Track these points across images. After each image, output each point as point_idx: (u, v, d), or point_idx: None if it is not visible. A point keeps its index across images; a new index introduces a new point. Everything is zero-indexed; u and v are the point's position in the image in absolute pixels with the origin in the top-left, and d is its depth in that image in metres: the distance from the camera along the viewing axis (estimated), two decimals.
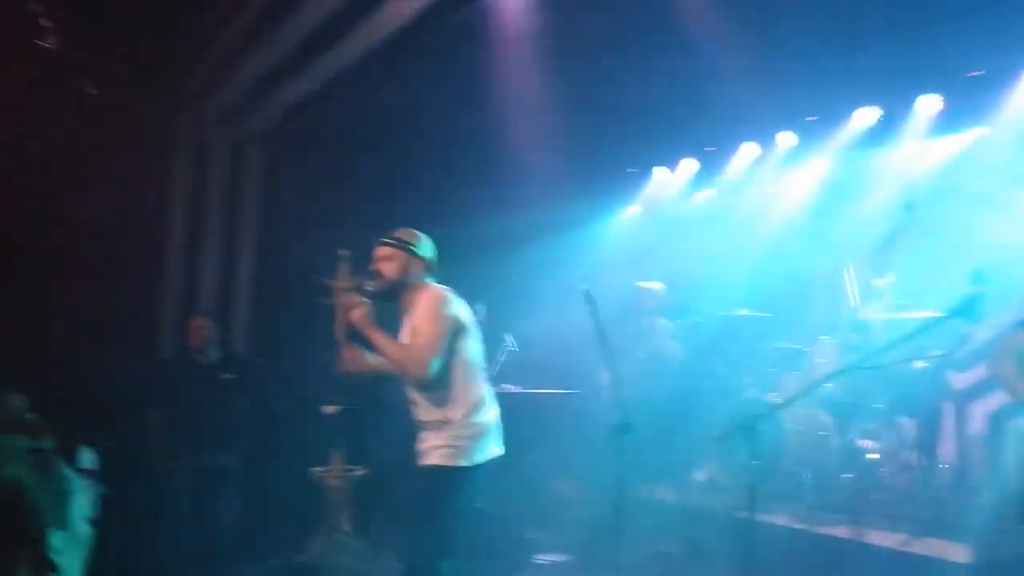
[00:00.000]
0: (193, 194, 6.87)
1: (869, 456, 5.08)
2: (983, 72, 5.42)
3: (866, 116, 6.14)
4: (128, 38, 5.79)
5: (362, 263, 3.45)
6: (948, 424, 5.01)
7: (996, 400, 4.97)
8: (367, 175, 7.00)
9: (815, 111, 6.37)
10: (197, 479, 5.26)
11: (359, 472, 5.04)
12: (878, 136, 6.14)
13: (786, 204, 6.85)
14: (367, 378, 3.48)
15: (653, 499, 5.45)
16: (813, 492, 5.01)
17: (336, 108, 6.48)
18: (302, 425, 5.59)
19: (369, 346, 3.33)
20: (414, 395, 3.30)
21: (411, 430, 3.38)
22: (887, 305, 5.27)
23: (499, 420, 3.38)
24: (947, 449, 5.02)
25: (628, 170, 7.68)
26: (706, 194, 7.48)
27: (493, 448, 3.33)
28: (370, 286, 3.30)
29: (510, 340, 5.74)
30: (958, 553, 3.89)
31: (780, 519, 4.76)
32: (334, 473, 4.95)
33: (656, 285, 6.34)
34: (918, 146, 5.99)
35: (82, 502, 1.35)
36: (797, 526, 4.66)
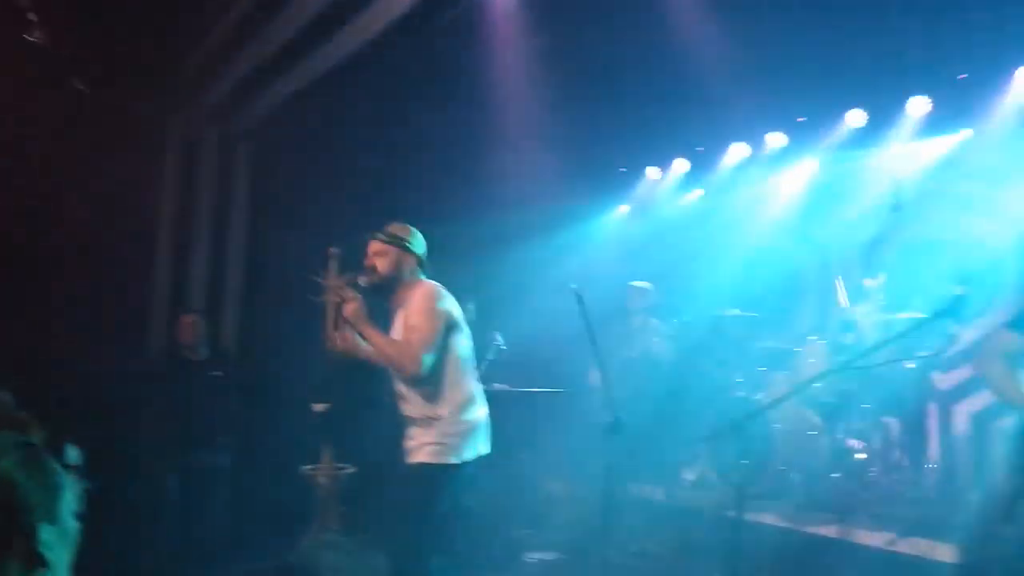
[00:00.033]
0: (183, 191, 6.84)
1: (857, 456, 5.11)
2: (970, 75, 5.46)
3: (855, 118, 6.17)
4: (118, 36, 5.77)
5: (352, 261, 3.45)
6: (933, 424, 5.05)
7: (980, 400, 5.02)
8: (357, 173, 6.99)
9: (805, 112, 6.41)
10: (186, 476, 5.24)
11: (349, 470, 5.03)
12: (867, 137, 6.18)
13: (775, 204, 6.88)
14: (354, 361, 3.46)
15: (642, 498, 5.47)
16: (801, 491, 5.04)
17: (326, 105, 6.46)
18: (292, 423, 5.57)
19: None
20: (404, 390, 3.29)
21: (401, 428, 3.37)
22: (876, 306, 5.29)
23: (488, 418, 3.38)
24: (933, 449, 5.06)
25: (620, 169, 7.69)
26: (696, 194, 7.51)
27: (481, 446, 3.32)
28: (363, 281, 3.30)
29: (499, 339, 5.74)
30: (944, 553, 3.92)
31: (768, 518, 4.78)
32: (324, 471, 4.94)
33: (646, 284, 6.36)
34: (906, 148, 6.03)
35: (71, 497, 1.35)
36: (785, 525, 4.68)
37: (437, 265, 3.50)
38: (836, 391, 5.12)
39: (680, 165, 7.40)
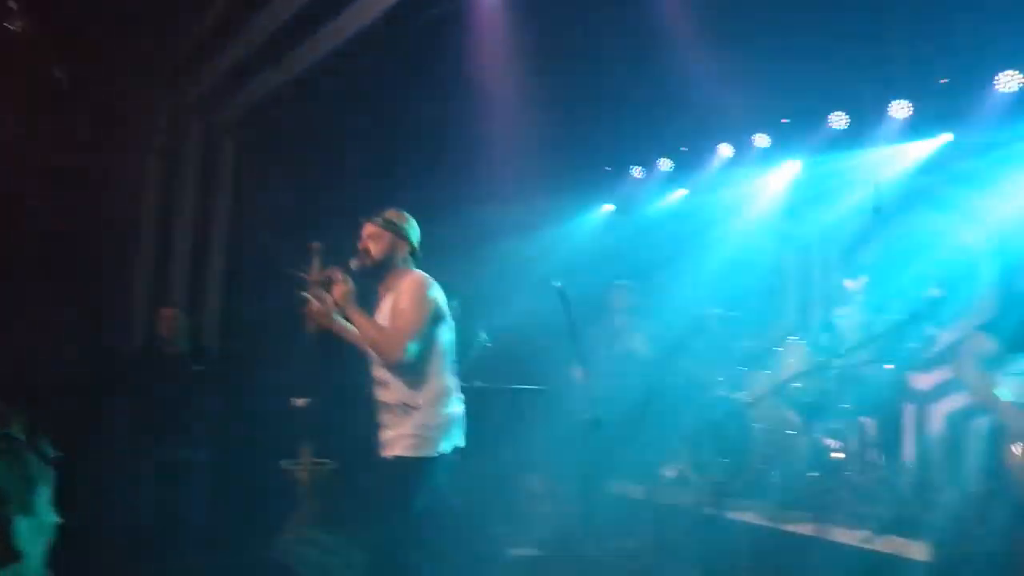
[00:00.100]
0: (165, 184, 6.78)
1: (834, 455, 5.16)
2: (952, 80, 5.53)
3: (838, 120, 6.23)
4: (102, 26, 5.71)
5: (334, 255, 3.44)
6: (910, 424, 5.10)
7: (956, 401, 5.08)
8: (341, 168, 6.97)
9: (788, 114, 6.45)
10: (163, 471, 5.21)
11: (328, 465, 5.02)
12: (850, 140, 6.24)
13: (758, 205, 6.93)
14: (335, 354, 3.46)
15: (622, 495, 5.49)
16: (779, 490, 5.08)
17: (311, 99, 6.44)
18: (272, 418, 5.55)
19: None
20: (385, 376, 3.28)
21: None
22: (856, 307, 5.35)
23: (464, 414, 3.38)
24: (909, 449, 5.12)
25: (604, 168, 7.71)
26: (680, 194, 7.54)
27: (457, 439, 3.32)
28: (354, 264, 3.30)
29: (483, 336, 5.75)
30: (918, 551, 3.97)
31: (747, 516, 4.81)
32: (303, 466, 4.92)
33: (628, 283, 6.39)
34: (888, 150, 6.09)
35: (46, 490, 1.34)
36: (763, 523, 4.72)
37: (420, 261, 3.50)
38: (815, 391, 5.17)
39: (664, 165, 7.43)
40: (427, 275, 3.35)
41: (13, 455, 1.45)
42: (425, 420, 3.23)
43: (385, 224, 3.35)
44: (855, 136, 6.19)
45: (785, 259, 6.76)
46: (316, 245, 3.47)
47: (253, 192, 7.07)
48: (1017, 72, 5.21)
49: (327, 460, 5.05)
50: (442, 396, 3.28)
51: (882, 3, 5.18)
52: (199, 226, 6.93)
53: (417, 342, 3.17)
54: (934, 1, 5.03)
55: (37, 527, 1.43)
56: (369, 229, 3.35)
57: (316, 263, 3.43)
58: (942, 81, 5.54)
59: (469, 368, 5.50)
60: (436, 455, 3.22)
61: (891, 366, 5.04)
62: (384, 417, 3.30)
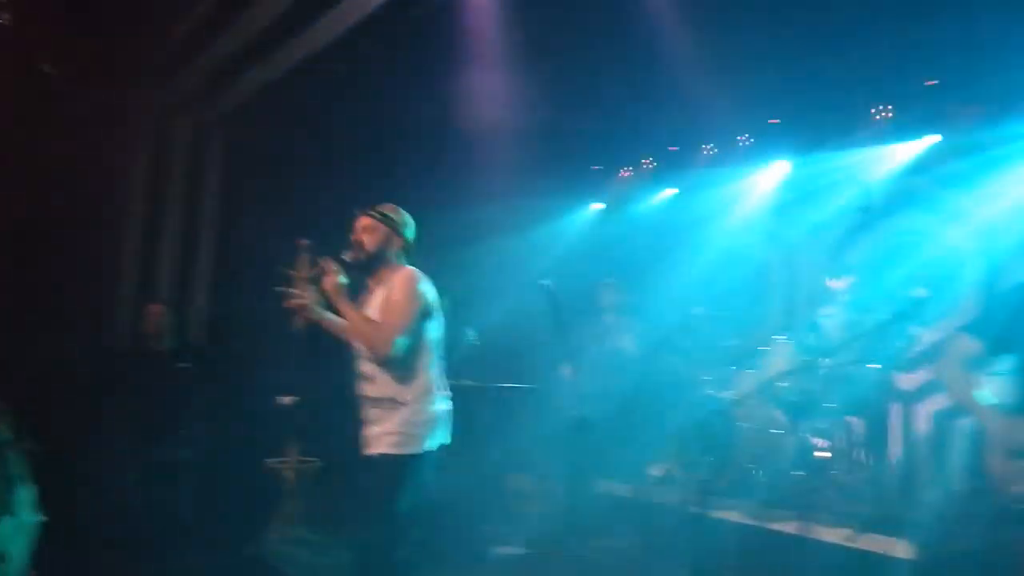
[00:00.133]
0: (152, 180, 6.74)
1: (820, 454, 5.19)
2: (939, 81, 5.57)
3: (825, 120, 6.26)
4: (90, 20, 5.67)
5: (323, 252, 3.43)
6: (895, 423, 5.14)
7: (942, 400, 5.12)
8: (330, 165, 6.95)
9: (776, 114, 6.49)
10: (149, 470, 5.18)
11: (315, 463, 5.01)
12: (837, 140, 6.27)
13: (746, 205, 6.96)
14: (322, 352, 3.45)
15: (608, 494, 5.51)
16: (765, 489, 5.10)
17: (300, 97, 6.42)
18: (259, 416, 5.53)
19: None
20: (371, 370, 3.27)
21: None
22: (842, 306, 5.38)
23: (450, 412, 3.38)
24: (894, 448, 5.16)
25: (592, 167, 7.73)
26: (668, 193, 7.57)
27: (443, 436, 3.32)
28: (348, 256, 3.30)
29: (472, 334, 5.75)
30: (902, 549, 4.00)
31: (733, 515, 4.83)
32: (289, 464, 4.91)
33: (617, 282, 6.40)
34: (874, 151, 6.13)
35: (29, 490, 1.33)
36: (749, 522, 4.74)
37: (413, 258, 3.50)
38: (801, 390, 5.20)
39: (652, 164, 7.45)
40: (419, 271, 3.35)
41: None
42: (412, 416, 3.22)
43: (380, 218, 3.35)
44: (843, 136, 6.23)
45: (772, 259, 6.79)
46: (305, 242, 3.46)
47: (241, 189, 7.04)
48: None
49: (314, 458, 5.04)
50: (429, 392, 3.28)
51: (870, 5, 5.22)
52: (187, 223, 6.89)
53: (407, 336, 3.17)
54: (921, 3, 5.07)
55: (18, 527, 1.42)
56: (364, 222, 3.35)
57: (305, 260, 3.42)
58: (929, 83, 5.59)
59: (457, 366, 5.51)
60: (421, 452, 3.21)
61: (877, 366, 5.07)
62: (369, 413, 3.29)
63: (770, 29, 5.44)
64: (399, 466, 3.20)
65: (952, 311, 5.27)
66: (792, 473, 5.09)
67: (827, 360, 5.12)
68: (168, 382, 5.31)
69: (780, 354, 5.47)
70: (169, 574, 4.68)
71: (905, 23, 5.14)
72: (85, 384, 5.29)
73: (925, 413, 5.40)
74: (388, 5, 5.20)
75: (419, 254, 3.54)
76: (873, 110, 6.00)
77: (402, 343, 3.16)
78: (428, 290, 3.30)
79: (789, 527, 4.56)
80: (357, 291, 3.39)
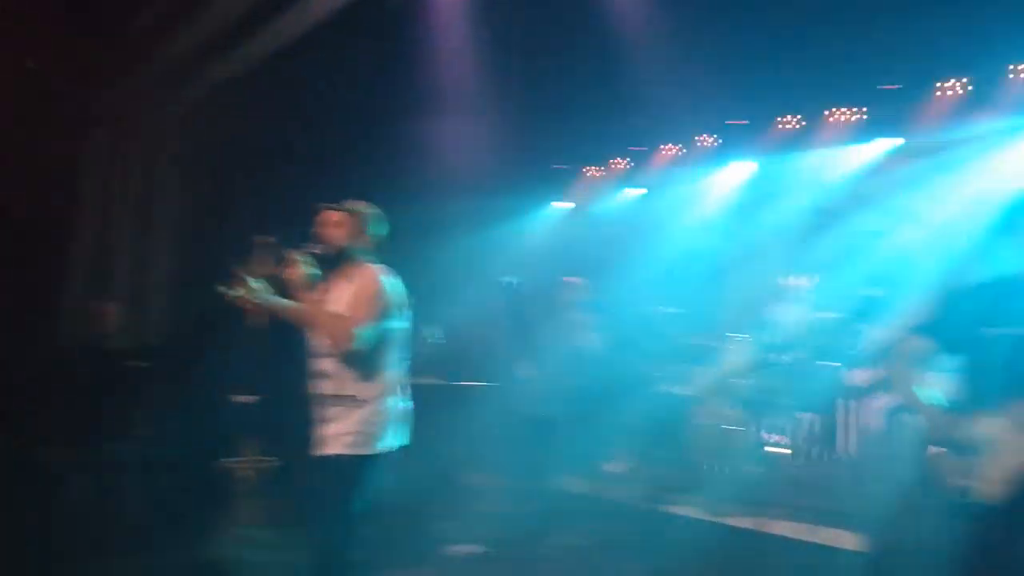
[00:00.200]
0: (107, 175, 6.62)
1: (776, 450, 5.27)
2: (900, 86, 5.69)
3: (788, 122, 6.37)
4: (49, 13, 5.56)
5: (283, 249, 3.40)
6: (847, 419, 5.23)
7: (892, 397, 5.22)
8: (291, 161, 6.88)
9: (739, 115, 6.58)
10: (97, 469, 5.08)
11: (270, 463, 4.96)
12: (797, 142, 6.38)
13: (706, 204, 7.05)
14: (279, 351, 3.42)
15: (566, 490, 5.52)
16: (720, 485, 5.17)
17: (258, 95, 6.35)
18: (216, 415, 5.46)
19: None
20: (331, 367, 3.23)
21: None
22: (799, 305, 5.47)
23: (410, 411, 3.36)
24: (846, 443, 5.25)
25: (553, 167, 7.76)
26: (632, 193, 7.62)
27: (399, 436, 3.30)
28: (318, 249, 3.27)
29: (434, 332, 5.73)
30: (851, 541, 4.09)
31: (689, 511, 4.89)
32: (245, 464, 4.85)
33: (579, 280, 6.42)
34: (834, 154, 6.24)
35: None
36: (705, 518, 4.80)
37: (380, 254, 3.48)
38: (756, 387, 5.28)
39: (617, 164, 7.50)
40: (385, 267, 3.33)
41: None
42: (370, 416, 3.19)
43: (349, 212, 3.33)
44: (804, 138, 6.33)
45: (731, 257, 6.87)
46: (262, 239, 3.42)
47: (199, 187, 6.94)
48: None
49: (270, 457, 4.99)
50: (389, 391, 3.26)
51: (831, 9, 5.32)
52: (144, 220, 6.78)
53: (370, 332, 3.15)
54: (882, 7, 5.18)
55: None
56: (333, 216, 3.33)
57: (263, 257, 3.38)
58: (889, 87, 5.71)
59: (418, 364, 5.49)
60: (376, 453, 3.19)
61: (832, 363, 5.16)
62: (326, 412, 3.25)
63: (737, 31, 5.52)
64: (354, 466, 3.17)
65: (905, 311, 5.38)
66: (747, 469, 5.16)
67: (783, 357, 5.21)
68: (118, 382, 5.21)
69: (737, 352, 5.55)
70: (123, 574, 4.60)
71: (869, 26, 5.25)
72: (30, 383, 5.17)
73: (877, 409, 5.50)
74: (352, 1, 5.17)
75: (384, 251, 3.53)
76: (832, 112, 6.12)
77: (366, 337, 3.13)
78: (394, 287, 3.28)
79: (745, 522, 4.63)
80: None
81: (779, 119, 6.39)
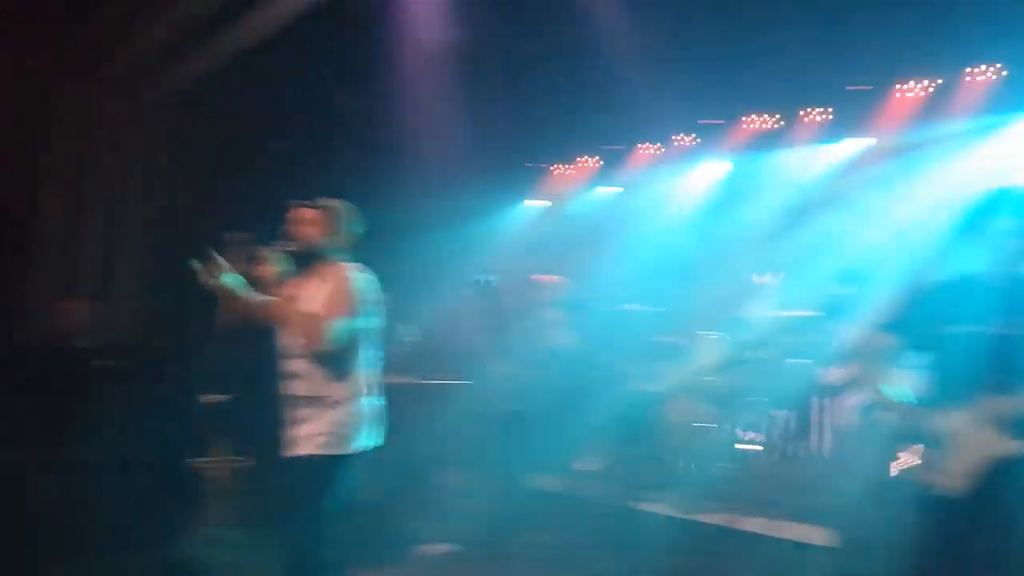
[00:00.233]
0: (76, 169, 6.51)
1: (748, 447, 5.31)
2: (871, 87, 5.76)
3: (759, 123, 6.43)
4: (14, 9, 5.46)
5: (253, 245, 3.37)
6: (820, 417, 5.29)
7: (863, 394, 5.28)
8: (263, 158, 6.82)
9: (712, 115, 6.63)
10: (69, 470, 5.00)
11: (241, 463, 4.91)
12: (769, 142, 6.44)
13: (679, 203, 7.09)
14: (250, 349, 3.39)
15: (538, 488, 5.53)
16: (692, 482, 5.20)
17: (232, 89, 6.29)
18: (187, 414, 5.39)
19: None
20: (303, 368, 3.20)
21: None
22: (770, 302, 5.52)
23: (383, 411, 3.35)
24: (818, 440, 5.30)
25: (527, 165, 7.78)
26: (605, 191, 7.65)
27: (372, 437, 3.28)
28: (292, 246, 3.24)
29: (409, 330, 5.71)
30: (822, 536, 4.13)
31: (660, 508, 4.92)
32: (215, 464, 4.80)
33: (552, 278, 6.43)
34: (804, 153, 6.31)
35: None
36: (677, 515, 4.83)
37: (355, 253, 3.45)
38: (728, 385, 5.32)
39: (589, 162, 7.53)
40: (359, 266, 3.31)
41: None
42: (342, 417, 3.17)
43: (323, 210, 3.30)
44: (775, 139, 6.40)
45: (704, 255, 6.92)
46: (233, 236, 3.39)
47: (170, 182, 6.85)
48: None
49: (240, 457, 4.94)
50: (362, 391, 3.24)
51: (800, 10, 5.38)
52: (113, 215, 6.67)
53: (344, 330, 3.13)
54: (846, 7, 5.24)
55: None
56: (307, 214, 3.30)
57: (234, 254, 3.34)
58: (856, 88, 5.78)
59: (392, 362, 5.46)
60: (348, 453, 3.17)
61: (803, 360, 5.21)
62: (299, 412, 3.23)
63: (712, 30, 5.56)
64: (327, 467, 3.16)
65: (875, 308, 5.44)
66: (720, 466, 5.20)
67: (757, 355, 5.25)
68: (85, 381, 5.12)
69: (709, 349, 5.59)
70: None
71: (838, 27, 5.31)
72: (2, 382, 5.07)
73: (849, 406, 5.56)
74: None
75: (356, 249, 3.50)
76: (803, 112, 6.19)
77: (339, 336, 3.11)
78: (367, 286, 3.26)
79: (716, 519, 4.66)
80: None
81: (749, 118, 6.45)
